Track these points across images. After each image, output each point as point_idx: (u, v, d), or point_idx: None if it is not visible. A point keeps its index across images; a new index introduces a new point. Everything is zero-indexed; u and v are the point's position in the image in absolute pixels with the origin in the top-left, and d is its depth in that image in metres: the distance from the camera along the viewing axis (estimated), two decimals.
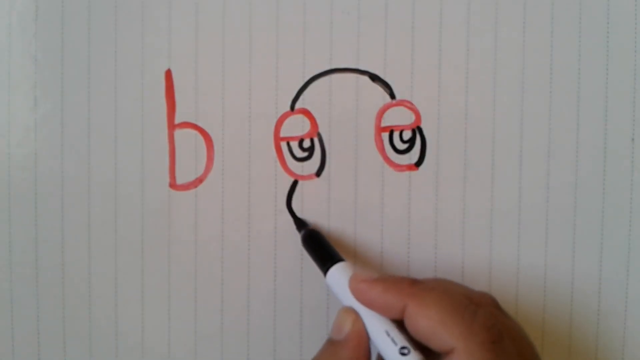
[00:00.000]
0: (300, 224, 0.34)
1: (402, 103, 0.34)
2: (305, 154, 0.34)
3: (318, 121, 0.34)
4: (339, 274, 0.30)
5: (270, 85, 0.34)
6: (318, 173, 0.34)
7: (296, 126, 0.34)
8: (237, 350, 0.35)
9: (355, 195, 0.34)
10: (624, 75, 0.34)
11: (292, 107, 0.34)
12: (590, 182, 0.34)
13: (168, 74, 0.34)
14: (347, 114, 0.34)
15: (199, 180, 0.34)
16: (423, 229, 0.34)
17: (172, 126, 0.34)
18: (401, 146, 0.34)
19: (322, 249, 0.32)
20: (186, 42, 0.34)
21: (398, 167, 0.34)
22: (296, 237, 0.34)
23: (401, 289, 0.28)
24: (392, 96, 0.34)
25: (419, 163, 0.34)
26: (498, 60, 0.34)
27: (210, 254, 0.34)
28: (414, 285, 0.28)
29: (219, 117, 0.34)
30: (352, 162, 0.34)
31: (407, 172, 0.34)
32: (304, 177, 0.34)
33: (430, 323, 0.26)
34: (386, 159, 0.34)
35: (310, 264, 0.34)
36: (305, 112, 0.34)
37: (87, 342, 0.35)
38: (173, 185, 0.34)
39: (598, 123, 0.34)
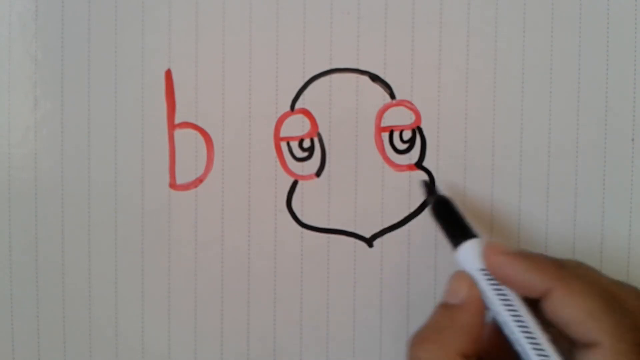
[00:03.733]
0: (430, 190, 0.32)
1: (402, 103, 0.34)
2: (305, 154, 0.34)
3: (318, 121, 0.34)
4: (473, 251, 0.28)
5: (270, 85, 0.34)
6: (318, 173, 0.34)
7: (296, 126, 0.34)
8: (237, 350, 0.35)
9: (355, 195, 0.34)
10: (624, 75, 0.34)
11: (292, 107, 0.34)
12: (590, 182, 0.34)
13: (168, 74, 0.34)
14: (347, 114, 0.34)
15: (199, 180, 0.34)
16: (423, 229, 0.34)
17: (172, 126, 0.34)
18: (401, 146, 0.34)
19: (454, 220, 0.30)
20: (186, 42, 0.34)
21: (398, 167, 0.34)
22: (296, 236, 0.34)
23: (546, 270, 0.26)
24: (392, 96, 0.34)
25: (419, 163, 0.34)
26: (498, 60, 0.34)
27: (210, 253, 0.34)
28: (561, 269, 0.26)
29: (219, 117, 0.34)
30: (352, 162, 0.34)
31: (407, 172, 0.34)
32: (304, 177, 0.34)
33: (578, 313, 0.25)
34: (386, 159, 0.34)
35: (311, 265, 0.34)
36: (305, 112, 0.34)
37: (87, 342, 0.35)
38: (173, 185, 0.34)
39: (598, 123, 0.34)
